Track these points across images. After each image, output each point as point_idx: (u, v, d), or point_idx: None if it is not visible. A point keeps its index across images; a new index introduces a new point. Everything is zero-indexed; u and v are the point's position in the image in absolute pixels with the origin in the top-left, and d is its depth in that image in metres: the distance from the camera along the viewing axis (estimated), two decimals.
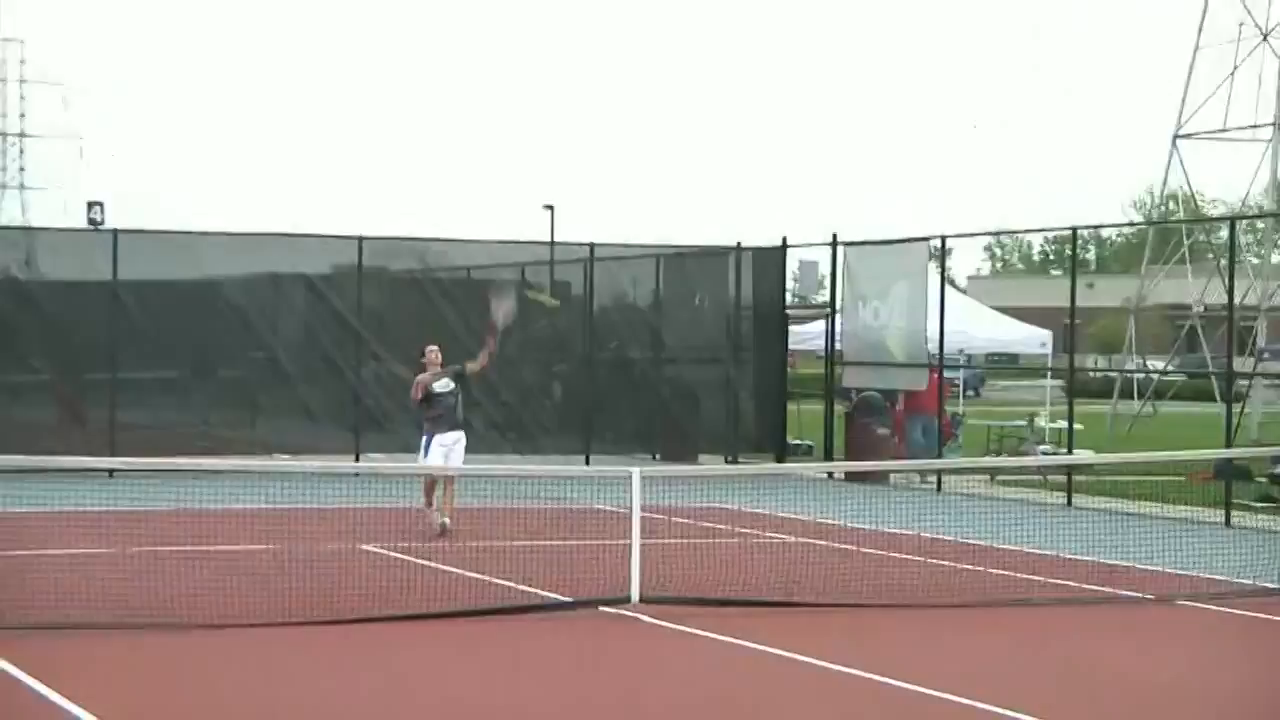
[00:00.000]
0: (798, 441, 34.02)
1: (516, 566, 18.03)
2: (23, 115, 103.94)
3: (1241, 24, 49.17)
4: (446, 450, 21.46)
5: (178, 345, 29.59)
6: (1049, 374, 43.12)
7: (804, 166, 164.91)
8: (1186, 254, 50.39)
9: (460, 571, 17.99)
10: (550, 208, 61.17)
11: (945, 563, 19.16)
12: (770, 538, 21.80)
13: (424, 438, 21.81)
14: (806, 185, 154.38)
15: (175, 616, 14.93)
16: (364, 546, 19.56)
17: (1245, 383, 40.78)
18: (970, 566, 18.88)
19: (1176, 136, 50.03)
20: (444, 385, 21.68)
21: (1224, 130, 48.97)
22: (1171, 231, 53.65)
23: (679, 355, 33.28)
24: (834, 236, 32.06)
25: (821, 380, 33.64)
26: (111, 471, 23.49)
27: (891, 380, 30.78)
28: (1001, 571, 18.48)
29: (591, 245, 32.32)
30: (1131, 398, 50.57)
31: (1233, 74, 48.58)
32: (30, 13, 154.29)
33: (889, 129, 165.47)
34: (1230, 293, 26.89)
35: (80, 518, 20.32)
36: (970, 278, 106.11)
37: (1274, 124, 47.55)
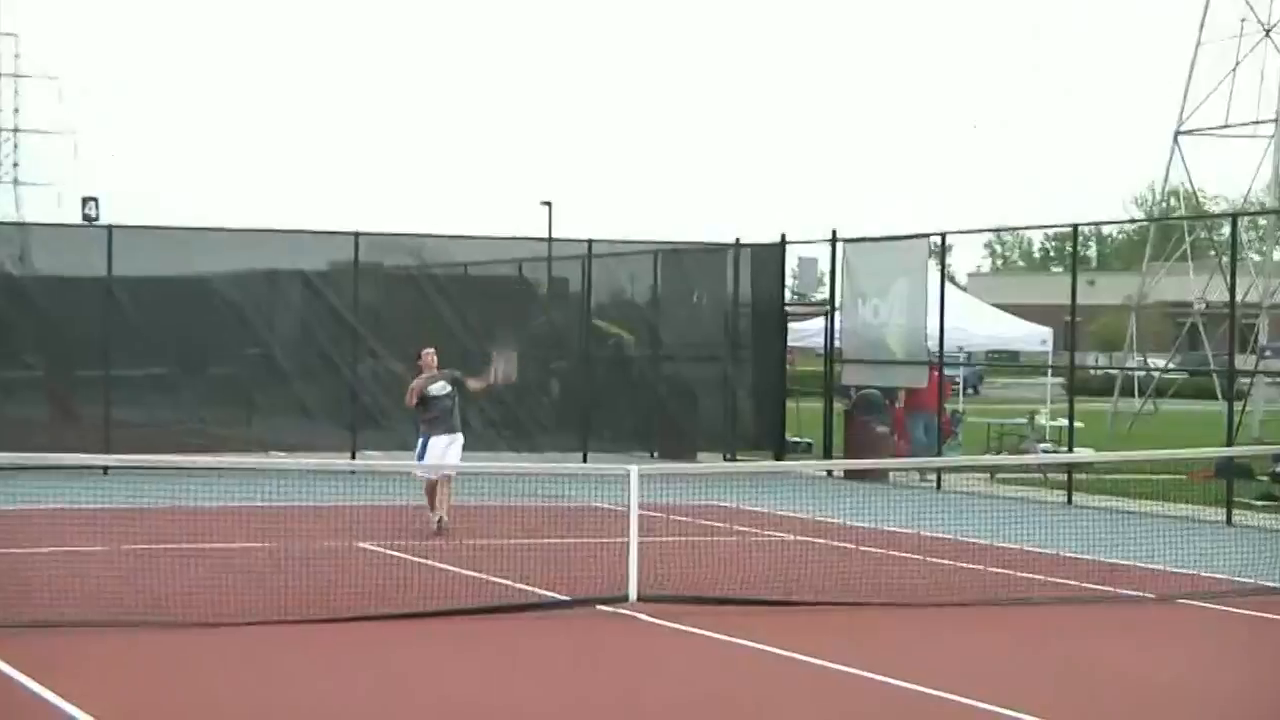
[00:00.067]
0: (797, 439, 33.93)
1: (514, 565, 17.97)
2: (16, 110, 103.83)
3: (1243, 20, 49.07)
4: (442, 451, 21.35)
5: (173, 342, 29.49)
6: (1049, 372, 43.04)
7: (803, 163, 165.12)
8: (1188, 251, 50.30)
9: (457, 570, 17.94)
10: (548, 204, 61.33)
11: (945, 561, 19.09)
12: (769, 536, 21.73)
13: (420, 440, 21.73)
14: (806, 181, 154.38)
15: (170, 615, 14.88)
16: (360, 544, 19.52)
17: (1247, 381, 40.67)
18: (970, 565, 18.82)
19: (1178, 133, 49.92)
20: (440, 389, 21.58)
21: (1226, 126, 48.85)
22: (1173, 228, 53.54)
23: (677, 352, 33.19)
24: (833, 233, 31.99)
25: (821, 378, 33.56)
26: (106, 468, 23.44)
27: (891, 378, 30.71)
28: (1001, 570, 18.43)
29: (589, 242, 32.24)
30: (1132, 395, 50.48)
31: (1234, 70, 48.46)
32: (26, 7, 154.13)
33: (889, 125, 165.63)
34: (1232, 290, 26.78)
35: (74, 515, 20.25)
36: (970, 275, 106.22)
37: (1276, 120, 47.41)
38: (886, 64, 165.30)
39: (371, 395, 30.01)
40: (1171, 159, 50.34)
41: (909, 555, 19.57)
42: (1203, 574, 18.39)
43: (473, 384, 21.97)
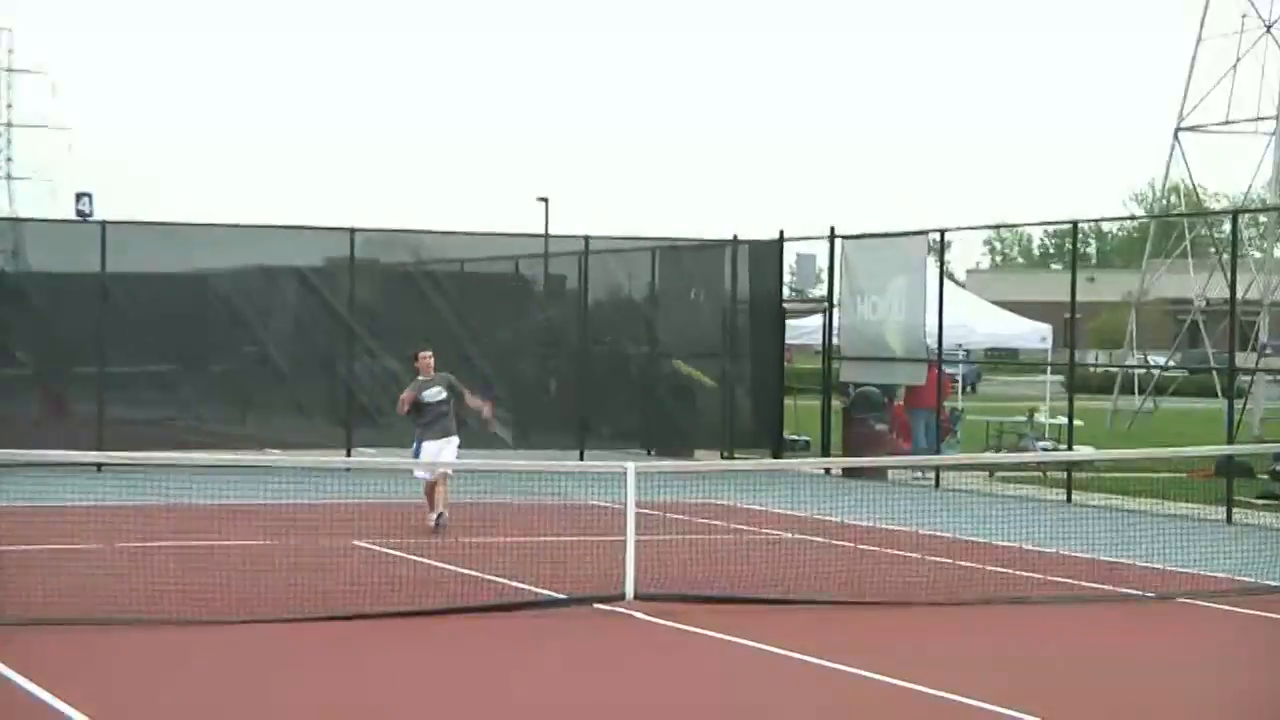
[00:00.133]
0: (795, 437, 33.82)
1: (510, 563, 17.93)
2: (9, 105, 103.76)
3: (1244, 16, 49.01)
4: (435, 454, 21.24)
5: (167, 339, 29.37)
6: (1049, 369, 42.95)
7: (802, 158, 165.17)
8: (1188, 248, 50.21)
9: (453, 568, 17.89)
10: (545, 200, 61.21)
11: (943, 560, 19.02)
12: (767, 534, 21.63)
13: (415, 443, 21.64)
14: (804, 177, 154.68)
15: (165, 613, 14.81)
16: (356, 542, 19.46)
17: (1247, 378, 40.59)
18: (969, 564, 18.76)
19: (1178, 129, 49.84)
20: (434, 395, 21.47)
21: (1226, 123, 48.76)
22: (1173, 225, 53.43)
23: (675, 350, 33.08)
24: (832, 229, 31.88)
25: (819, 375, 33.46)
26: (100, 466, 23.34)
27: (890, 375, 30.61)
28: (1000, 569, 18.36)
29: (586, 238, 32.14)
30: (1132, 393, 50.40)
31: (1235, 66, 48.39)
32: (20, 1, 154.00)
33: (888, 121, 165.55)
34: (1232, 287, 26.68)
35: (68, 513, 20.17)
36: (970, 271, 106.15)
37: (1277, 117, 47.34)
38: (885, 59, 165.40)
39: (367, 393, 29.89)
40: (1172, 155, 50.30)
41: (907, 554, 19.50)
42: (1203, 573, 18.33)
43: (475, 401, 21.81)
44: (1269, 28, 48.58)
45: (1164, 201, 65.40)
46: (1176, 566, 18.70)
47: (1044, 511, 23.72)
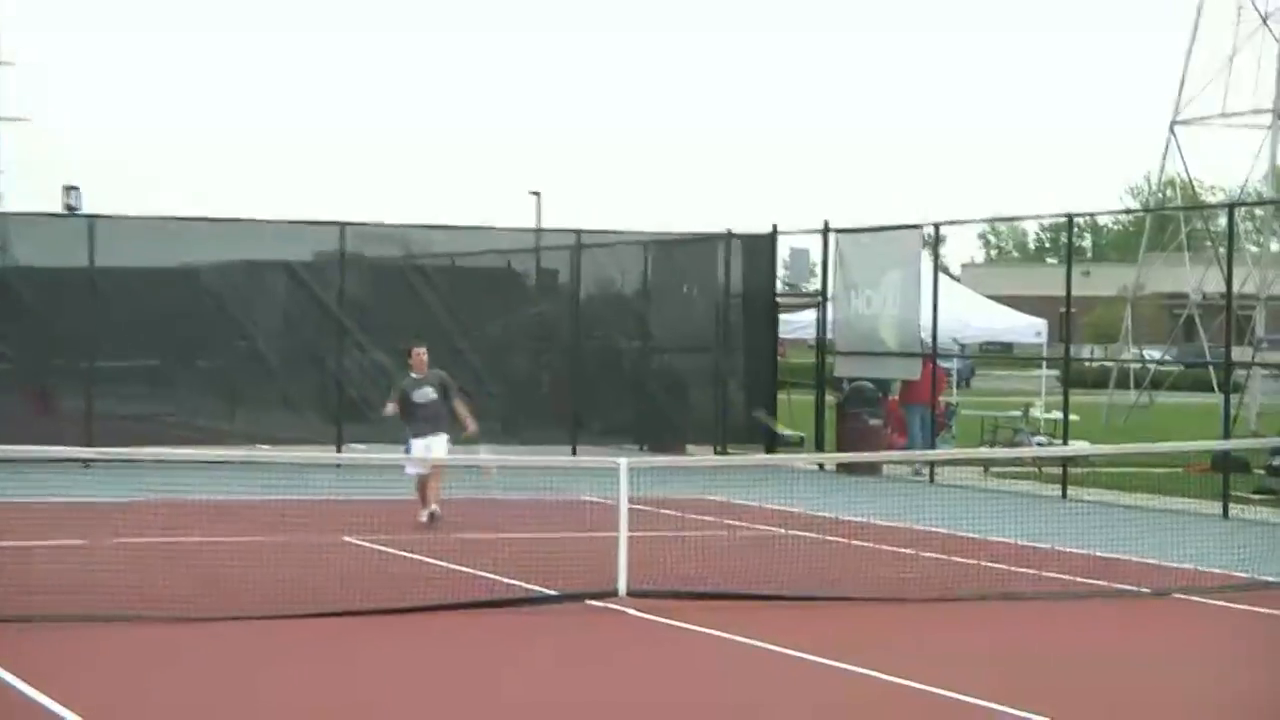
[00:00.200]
0: (788, 432, 33.68)
1: (501, 559, 17.83)
2: None
3: (1240, 8, 48.86)
4: (426, 446, 21.14)
5: (156, 334, 29.26)
6: (1044, 364, 42.88)
7: (795, 152, 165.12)
8: (1184, 242, 50.11)
9: (444, 564, 17.84)
10: (536, 194, 61.15)
11: (938, 556, 18.93)
12: (760, 530, 21.52)
13: (405, 441, 21.53)
14: (797, 171, 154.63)
15: (154, 609, 14.73)
16: (346, 539, 19.40)
17: (1243, 373, 40.54)
18: (963, 559, 18.68)
19: (1174, 122, 49.73)
20: (424, 396, 21.39)
21: (1222, 116, 48.66)
22: (1169, 219, 53.34)
23: (667, 345, 32.99)
24: (825, 223, 31.79)
25: (812, 370, 33.36)
26: (87, 462, 23.21)
27: (884, 370, 30.52)
28: (995, 564, 18.33)
29: (578, 232, 32.04)
30: (1128, 388, 50.35)
31: (1231, 58, 48.28)
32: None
33: (881, 114, 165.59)
34: (1228, 281, 26.63)
35: (55, 510, 20.08)
36: (964, 265, 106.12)
37: (1273, 109, 47.24)
38: (879, 52, 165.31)
39: (358, 388, 29.74)
40: (1168, 149, 50.15)
41: (902, 549, 19.44)
42: (1199, 568, 18.28)
43: (459, 411, 21.65)
44: (1265, 19, 48.43)
45: (1160, 195, 65.15)
46: (1172, 562, 18.67)
47: (1039, 507, 23.71)
